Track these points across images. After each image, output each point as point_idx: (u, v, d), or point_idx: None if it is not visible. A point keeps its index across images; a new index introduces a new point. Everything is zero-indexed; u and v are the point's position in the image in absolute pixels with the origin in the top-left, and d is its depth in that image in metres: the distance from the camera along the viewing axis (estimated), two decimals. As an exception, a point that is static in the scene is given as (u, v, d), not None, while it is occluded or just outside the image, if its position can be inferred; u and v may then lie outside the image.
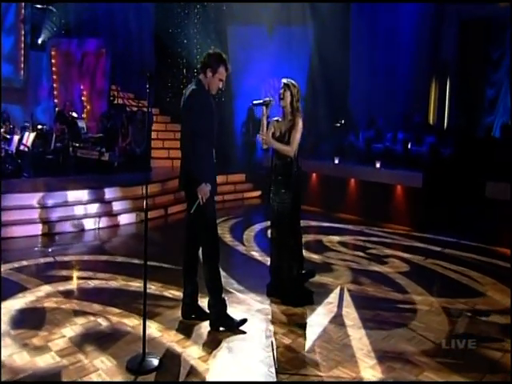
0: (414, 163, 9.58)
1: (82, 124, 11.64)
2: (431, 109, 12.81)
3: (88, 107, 13.36)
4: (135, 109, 13.05)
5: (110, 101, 13.34)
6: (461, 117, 11.39)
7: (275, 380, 3.48)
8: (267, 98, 4.81)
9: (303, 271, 5.17)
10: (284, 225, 4.88)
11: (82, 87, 13.45)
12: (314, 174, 10.62)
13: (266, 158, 12.10)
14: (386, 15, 13.11)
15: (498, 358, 3.93)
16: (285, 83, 4.89)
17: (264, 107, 4.78)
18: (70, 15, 13.27)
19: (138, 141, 11.54)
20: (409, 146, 10.33)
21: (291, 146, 4.82)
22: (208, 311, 4.33)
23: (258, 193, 11.79)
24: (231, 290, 5.21)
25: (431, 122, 12.54)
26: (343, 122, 12.48)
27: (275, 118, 5.00)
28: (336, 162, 10.27)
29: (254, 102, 4.84)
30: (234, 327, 4.24)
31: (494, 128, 11.38)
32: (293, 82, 4.90)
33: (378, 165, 9.54)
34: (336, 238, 7.78)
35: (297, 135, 4.82)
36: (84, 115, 12.98)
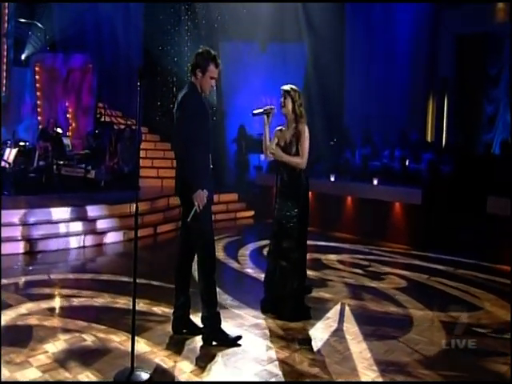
0: (413, 180, 9.65)
1: (66, 141, 11.65)
2: (429, 125, 12.96)
3: (73, 125, 13.38)
4: (123, 126, 13.11)
5: (96, 118, 13.37)
6: (459, 134, 11.53)
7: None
8: (268, 107, 4.80)
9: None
10: (291, 238, 4.84)
11: (67, 104, 13.47)
12: (310, 192, 10.62)
13: (260, 177, 12.20)
14: (382, 31, 13.34)
15: (504, 371, 3.93)
16: (285, 90, 4.89)
17: (265, 116, 4.79)
18: (56, 30, 13.38)
19: (126, 159, 11.55)
20: (406, 163, 10.41)
21: (301, 157, 4.82)
22: (200, 325, 4.29)
23: (251, 213, 11.78)
24: (226, 306, 5.18)
25: (429, 139, 12.67)
26: (335, 140, 12.56)
27: (278, 128, 5.01)
28: (332, 179, 10.32)
29: (254, 111, 4.80)
30: (228, 342, 4.18)
31: (493, 145, 11.51)
32: (293, 86, 4.90)
33: (375, 182, 9.60)
34: (333, 257, 7.77)
35: (305, 144, 4.82)
36: (69, 133, 12.98)
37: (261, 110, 4.77)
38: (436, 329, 4.77)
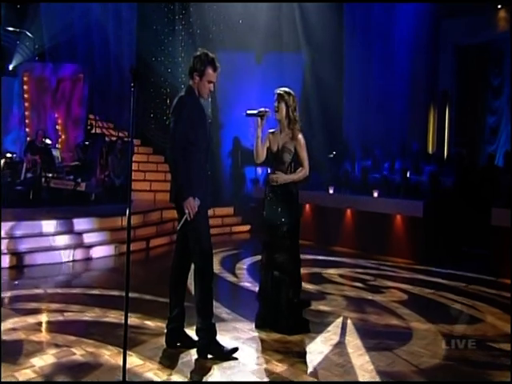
0: (414, 192, 9.69)
1: (56, 153, 11.65)
2: (430, 137, 13.05)
3: (63, 137, 13.39)
4: (114, 138, 13.12)
5: (87, 130, 13.39)
6: (462, 145, 11.59)
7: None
8: (262, 109, 4.80)
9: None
10: (282, 248, 4.83)
11: (56, 115, 13.50)
12: (308, 205, 10.65)
13: (256, 190, 12.20)
14: (381, 41, 13.47)
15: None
16: (278, 93, 4.90)
17: (258, 118, 4.78)
18: (45, 39, 13.43)
19: (118, 172, 11.55)
20: (407, 175, 10.45)
21: (305, 167, 4.87)
22: (195, 339, 4.25)
23: (247, 227, 11.76)
24: (222, 318, 5.16)
25: (430, 150, 12.74)
26: (334, 153, 12.61)
27: (270, 131, 5.03)
28: (331, 191, 10.33)
29: (248, 111, 4.78)
30: (224, 355, 4.15)
31: (497, 156, 11.58)
32: (287, 90, 4.91)
33: (375, 194, 9.62)
34: (333, 271, 7.75)
35: (305, 153, 4.86)
36: (58, 145, 12.98)
37: (255, 112, 4.77)
38: (438, 342, 4.76)
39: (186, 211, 4.03)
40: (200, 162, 4.14)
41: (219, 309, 5.42)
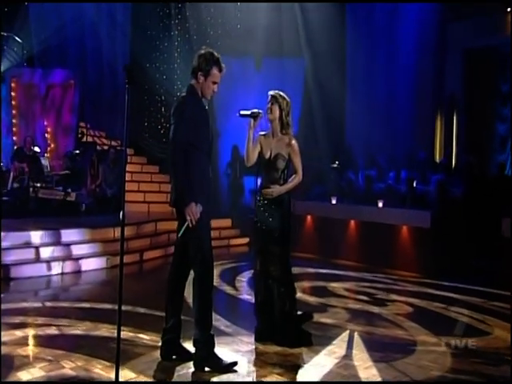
0: (421, 202, 9.70)
1: (45, 162, 11.66)
2: (437, 145, 13.06)
3: (52, 145, 13.41)
4: (106, 147, 13.15)
5: (77, 138, 13.42)
6: (470, 153, 11.60)
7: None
8: (256, 110, 4.84)
9: (300, 312, 5.11)
10: (273, 254, 4.88)
11: (45, 123, 13.53)
12: (309, 216, 10.66)
13: (255, 200, 12.12)
14: (385, 44, 13.54)
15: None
16: (272, 95, 4.97)
17: (252, 119, 4.83)
18: (35, 43, 13.48)
19: (110, 182, 11.57)
20: (414, 185, 10.46)
21: (299, 175, 4.97)
22: (192, 351, 4.24)
23: (245, 239, 11.75)
24: (220, 330, 5.16)
25: (437, 159, 12.76)
26: (337, 162, 12.64)
27: (262, 133, 5.06)
28: (333, 202, 10.35)
29: (241, 112, 4.83)
30: (222, 369, 4.13)
31: (507, 165, 11.59)
32: (281, 93, 4.98)
33: (380, 204, 9.63)
34: (336, 285, 7.73)
35: (299, 160, 4.96)
36: (47, 154, 13.00)
37: (248, 112, 4.81)
38: (446, 355, 4.76)
39: (188, 218, 4.02)
40: (202, 165, 4.16)
41: (218, 321, 5.41)
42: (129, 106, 3.63)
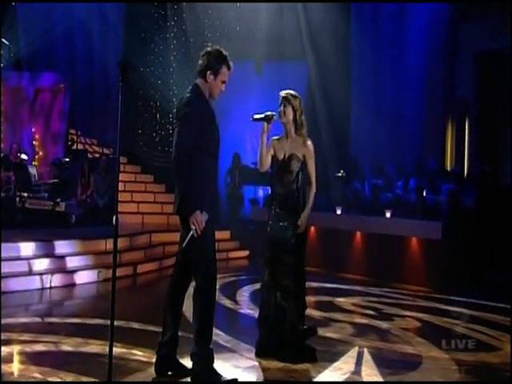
0: (431, 213, 9.71)
1: (32, 170, 11.68)
2: (448, 153, 13.10)
3: (41, 153, 13.43)
4: (98, 155, 13.19)
5: (67, 146, 13.44)
6: (483, 161, 11.63)
7: None
8: (269, 113, 4.88)
9: (304, 327, 5.11)
10: (286, 265, 4.88)
11: (33, 129, 13.56)
12: (312, 228, 10.65)
13: (255, 211, 12.20)
14: (392, 47, 13.60)
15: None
16: (284, 97, 4.99)
17: (265, 123, 4.87)
18: (22, 45, 13.53)
19: (101, 191, 11.58)
20: (424, 194, 10.48)
21: (312, 186, 4.99)
22: (189, 366, 4.23)
23: (245, 252, 11.76)
24: (220, 344, 5.18)
25: (448, 167, 12.79)
26: (343, 172, 12.66)
27: (275, 138, 5.10)
28: (338, 212, 10.36)
29: (255, 116, 4.89)
30: (221, 385, 4.12)
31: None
32: (292, 92, 5.01)
33: (388, 214, 9.64)
34: (342, 299, 7.73)
35: (313, 165, 4.99)
36: (35, 162, 13.02)
37: (262, 116, 4.86)
38: (455, 371, 4.81)
39: (193, 227, 4.02)
40: (208, 169, 4.18)
41: (217, 336, 5.40)
42: (122, 106, 3.65)
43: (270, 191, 5.17)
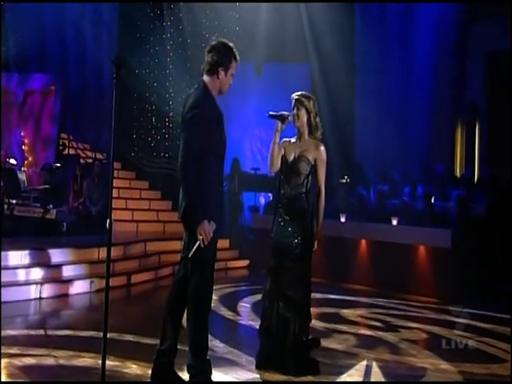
0: (440, 220, 9.71)
1: (21, 176, 11.67)
2: (457, 158, 13.11)
3: (30, 158, 13.44)
4: (90, 160, 13.19)
5: (58, 151, 13.45)
6: (494, 166, 11.65)
7: None
8: (285, 113, 4.90)
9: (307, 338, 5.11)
10: (291, 273, 4.88)
11: (22, 133, 13.57)
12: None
13: (256, 219, 12.20)
14: (399, 48, 13.65)
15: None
16: (296, 99, 5.00)
17: (279, 122, 4.89)
18: (11, 45, 13.50)
19: (94, 198, 11.58)
20: (432, 201, 10.49)
21: (321, 193, 4.98)
22: (185, 379, 4.23)
23: (245, 262, 11.75)
24: (218, 355, 5.18)
25: (457, 173, 12.81)
26: (347, 178, 12.68)
27: (286, 139, 5.10)
28: (342, 220, 10.36)
29: (271, 112, 4.92)
30: (219, 398, 4.11)
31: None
32: (305, 93, 5.03)
33: (394, 222, 9.65)
34: (346, 311, 7.72)
35: (323, 170, 4.99)
36: (24, 168, 13.01)
37: (278, 114, 4.88)
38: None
39: (200, 237, 4.01)
40: (215, 173, 4.18)
41: (217, 347, 5.45)
42: (116, 105, 3.64)
43: (276, 194, 5.18)
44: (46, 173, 11.87)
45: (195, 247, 4.04)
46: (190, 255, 4.09)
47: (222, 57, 4.22)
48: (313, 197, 4.99)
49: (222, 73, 4.22)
